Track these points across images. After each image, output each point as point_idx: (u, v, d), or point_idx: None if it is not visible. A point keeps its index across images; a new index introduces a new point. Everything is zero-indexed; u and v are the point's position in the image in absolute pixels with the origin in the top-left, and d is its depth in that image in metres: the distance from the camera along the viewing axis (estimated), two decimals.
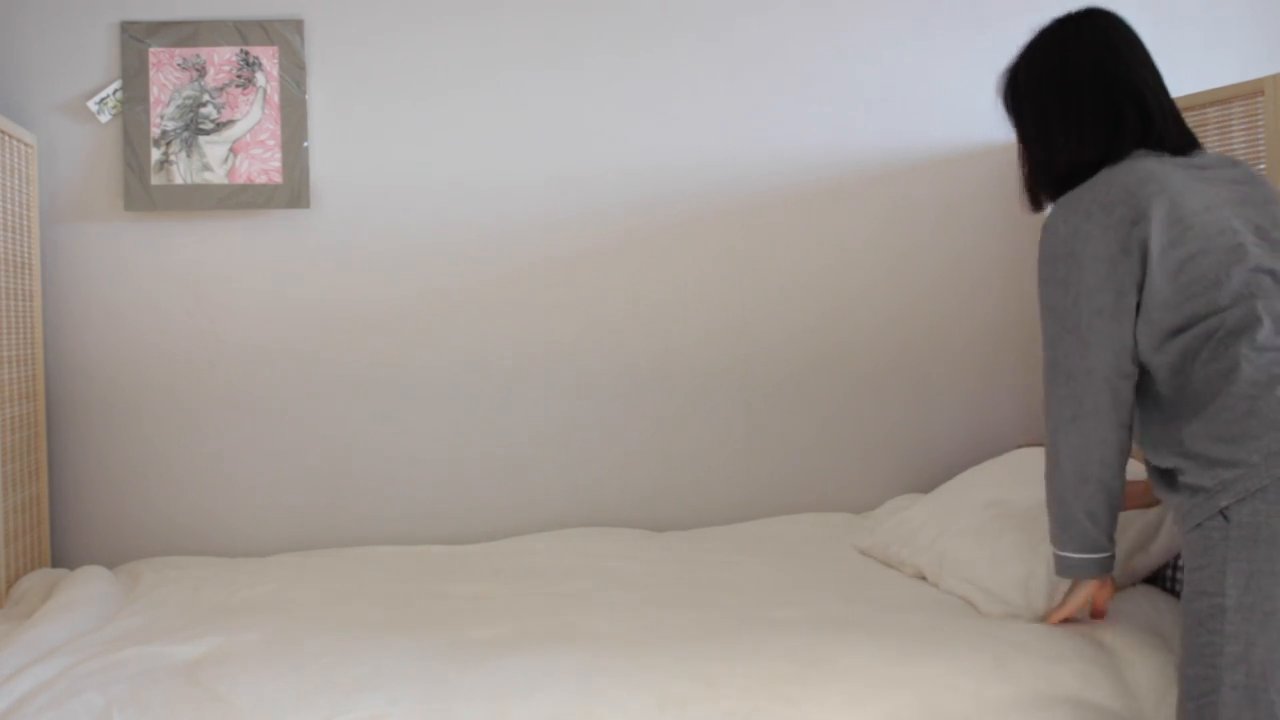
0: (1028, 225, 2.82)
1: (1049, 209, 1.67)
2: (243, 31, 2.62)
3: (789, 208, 2.79)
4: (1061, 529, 1.64)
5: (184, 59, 2.61)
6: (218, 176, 2.61)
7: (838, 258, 2.81)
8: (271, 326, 2.66)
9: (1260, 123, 2.16)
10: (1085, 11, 1.67)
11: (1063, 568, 1.67)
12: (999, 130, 2.71)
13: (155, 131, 2.60)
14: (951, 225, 2.84)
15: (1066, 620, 1.80)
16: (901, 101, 2.81)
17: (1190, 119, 2.30)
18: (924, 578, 2.16)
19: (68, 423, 2.61)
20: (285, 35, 2.62)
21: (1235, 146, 2.22)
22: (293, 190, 2.63)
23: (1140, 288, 1.51)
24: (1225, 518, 1.40)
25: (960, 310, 2.85)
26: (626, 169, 2.74)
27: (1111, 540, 1.64)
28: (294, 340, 2.67)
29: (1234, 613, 1.37)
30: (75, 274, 2.62)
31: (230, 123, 2.62)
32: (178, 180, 2.60)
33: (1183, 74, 2.53)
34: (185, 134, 2.60)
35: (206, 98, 2.61)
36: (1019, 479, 2.24)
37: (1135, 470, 1.88)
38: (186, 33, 2.60)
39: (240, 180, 2.62)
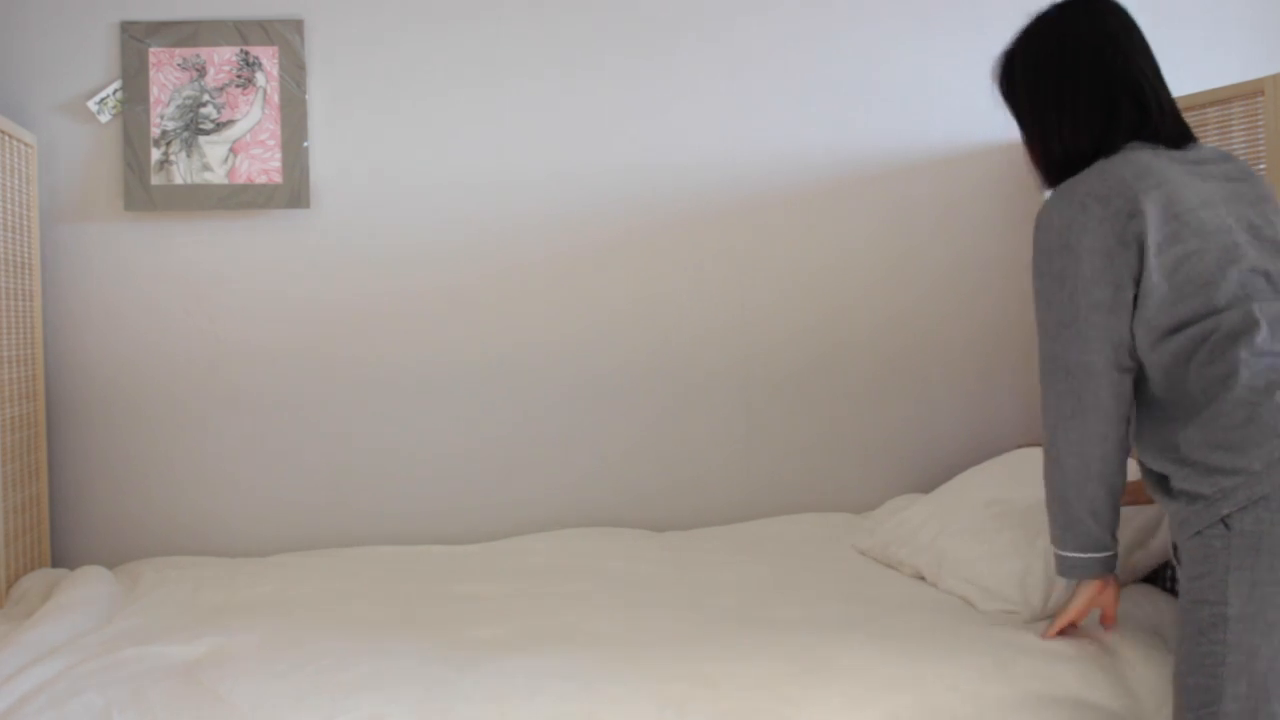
0: (1028, 225, 2.82)
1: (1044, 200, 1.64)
2: (243, 31, 2.62)
3: (789, 207, 2.79)
4: (1063, 528, 1.61)
5: (184, 59, 2.61)
6: (218, 176, 2.61)
7: (837, 257, 2.81)
8: (271, 326, 2.66)
9: (1260, 123, 2.16)
10: None
11: (1065, 568, 1.63)
12: (999, 130, 2.72)
13: (155, 131, 2.60)
14: (951, 225, 2.84)
15: (1067, 629, 1.74)
16: (901, 101, 2.81)
17: (1190, 119, 2.30)
18: (923, 578, 2.16)
19: (68, 423, 2.61)
20: (285, 35, 2.62)
21: (1235, 146, 2.22)
22: (293, 190, 2.63)
23: (1137, 282, 1.49)
24: (1226, 526, 1.38)
25: (960, 310, 2.85)
26: (626, 169, 2.74)
27: (1114, 538, 1.61)
28: (294, 340, 2.67)
29: (1236, 622, 1.35)
30: (75, 274, 2.62)
31: (230, 123, 2.62)
32: (178, 180, 2.60)
33: (1183, 74, 2.52)
34: (185, 134, 2.60)
35: (206, 98, 2.61)
36: (1019, 479, 2.24)
37: (1131, 468, 1.87)
38: (186, 33, 2.60)
39: (240, 180, 2.62)
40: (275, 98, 2.63)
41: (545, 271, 2.73)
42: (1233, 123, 2.24)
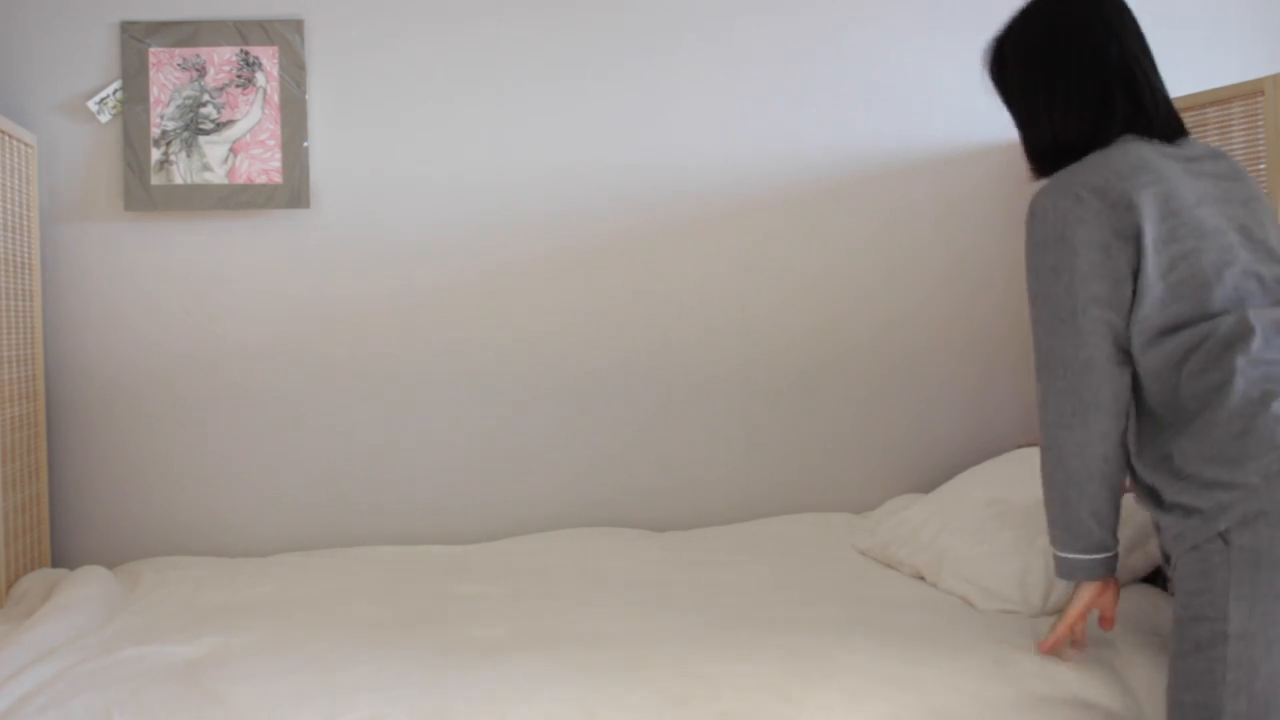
0: None
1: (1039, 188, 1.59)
2: (243, 31, 2.62)
3: (789, 207, 2.79)
4: (1064, 529, 1.56)
5: (184, 59, 2.61)
6: (218, 176, 2.61)
7: (837, 258, 2.81)
8: (271, 326, 2.66)
9: (1260, 123, 2.16)
10: None
11: (1065, 570, 1.59)
12: (999, 130, 2.72)
13: (155, 131, 2.60)
14: (952, 225, 2.84)
15: (1060, 648, 1.68)
16: (901, 101, 2.81)
17: (1190, 119, 2.30)
18: (923, 578, 2.16)
19: (68, 423, 2.61)
20: (285, 35, 2.62)
21: (1235, 146, 2.22)
22: (293, 190, 2.63)
23: (1135, 277, 1.46)
24: (1225, 541, 1.35)
25: (960, 310, 2.85)
26: (626, 168, 2.74)
27: (1115, 538, 1.57)
28: (294, 339, 2.67)
29: (1237, 640, 1.33)
30: (75, 274, 2.62)
31: (230, 123, 2.62)
32: (178, 180, 2.60)
33: (1183, 74, 2.53)
34: (185, 134, 2.60)
35: (206, 98, 2.61)
36: (1019, 479, 2.24)
37: None
38: (186, 33, 2.60)
39: (240, 180, 2.62)
40: (275, 98, 2.63)
41: (546, 271, 2.73)
42: (1232, 123, 2.24)
